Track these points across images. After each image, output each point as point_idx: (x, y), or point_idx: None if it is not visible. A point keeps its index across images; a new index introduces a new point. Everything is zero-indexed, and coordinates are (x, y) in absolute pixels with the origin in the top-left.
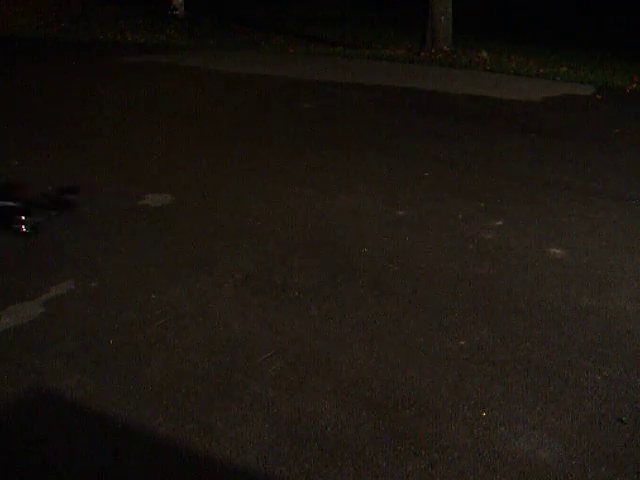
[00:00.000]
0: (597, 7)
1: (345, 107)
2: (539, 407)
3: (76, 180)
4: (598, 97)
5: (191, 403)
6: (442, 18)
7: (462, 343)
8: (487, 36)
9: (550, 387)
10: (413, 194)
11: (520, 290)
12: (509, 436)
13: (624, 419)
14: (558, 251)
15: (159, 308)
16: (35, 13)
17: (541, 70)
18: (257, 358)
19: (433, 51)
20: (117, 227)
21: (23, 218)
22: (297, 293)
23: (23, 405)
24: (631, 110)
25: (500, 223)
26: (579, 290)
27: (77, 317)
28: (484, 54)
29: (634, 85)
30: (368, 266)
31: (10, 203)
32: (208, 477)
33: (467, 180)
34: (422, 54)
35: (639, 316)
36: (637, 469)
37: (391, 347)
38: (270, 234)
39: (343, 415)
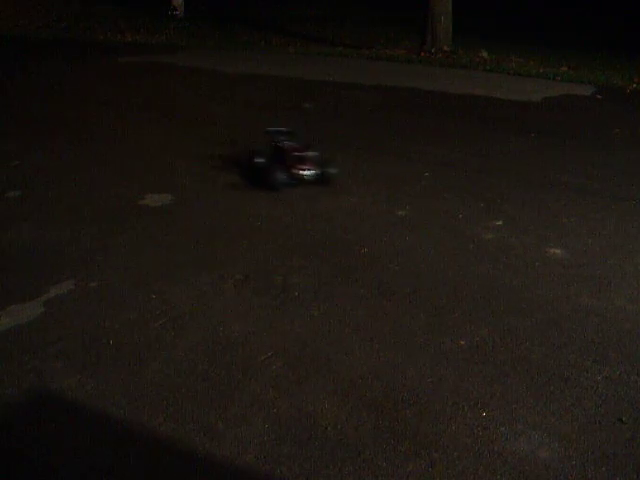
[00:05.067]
0: (598, 7)
1: (345, 107)
2: (539, 407)
3: (76, 180)
4: (598, 97)
5: (191, 403)
6: (442, 18)
7: (462, 343)
8: (487, 36)
9: (550, 387)
10: (413, 194)
11: (520, 290)
12: (509, 436)
13: (624, 419)
14: (558, 251)
15: (159, 308)
16: (35, 13)
17: (541, 70)
18: (257, 358)
19: (433, 51)
20: (117, 227)
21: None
22: (297, 293)
23: (23, 405)
24: (631, 110)
25: (500, 223)
26: (579, 290)
27: (77, 317)
28: (484, 54)
29: (634, 85)
30: (368, 266)
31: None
32: (208, 477)
33: (467, 180)
34: (422, 54)
35: (639, 316)
36: (637, 469)
37: (391, 347)
38: (270, 234)
39: (343, 415)
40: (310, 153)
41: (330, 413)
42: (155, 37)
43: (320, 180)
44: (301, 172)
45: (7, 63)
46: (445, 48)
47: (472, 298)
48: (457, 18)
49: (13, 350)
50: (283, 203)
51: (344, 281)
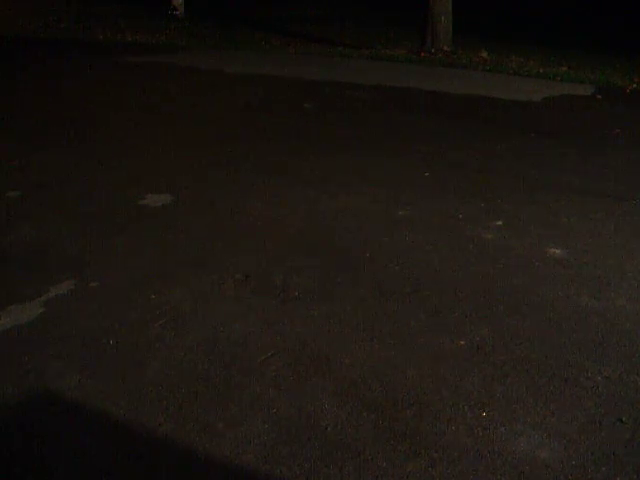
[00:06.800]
0: (597, 7)
1: (345, 107)
2: (539, 407)
3: (76, 180)
4: (598, 97)
5: (191, 403)
6: (442, 18)
7: (462, 343)
8: (487, 36)
9: (550, 387)
10: (413, 194)
11: (520, 290)
12: (509, 436)
13: (624, 419)
14: (558, 251)
15: (159, 308)
16: (35, 13)
17: (541, 70)
18: (257, 358)
19: (433, 51)
20: (117, 227)
21: None
22: (297, 293)
23: (23, 405)
24: (631, 110)
25: (500, 223)
26: (579, 290)
27: (77, 317)
28: (484, 54)
29: (634, 85)
30: (368, 266)
31: None
32: (208, 477)
33: (467, 180)
34: (422, 54)
35: (639, 316)
36: (637, 469)
37: (391, 347)
38: (270, 234)
39: (343, 415)
40: None
41: (330, 413)
42: (155, 37)
43: None
44: None
45: (7, 63)
46: (445, 48)
47: (472, 298)
48: (457, 18)
49: (13, 350)
50: (283, 203)
51: (344, 281)
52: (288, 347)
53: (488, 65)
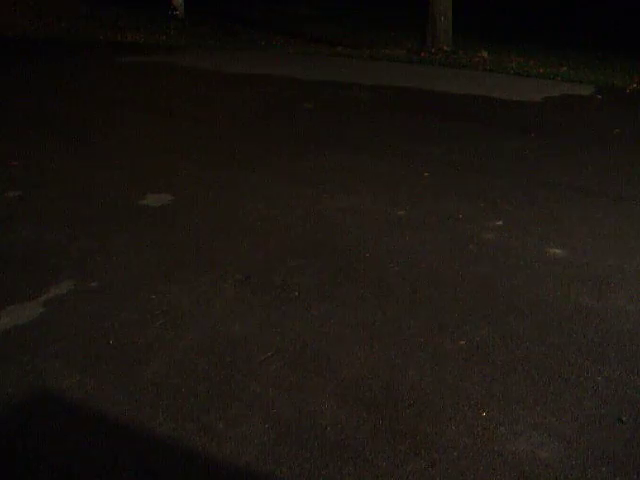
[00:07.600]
0: (598, 7)
1: (345, 107)
2: (539, 407)
3: (76, 180)
4: (598, 97)
5: (191, 403)
6: (442, 18)
7: (462, 343)
8: (487, 36)
9: (550, 387)
10: (413, 194)
11: (520, 290)
12: (509, 436)
13: (624, 419)
14: (558, 251)
15: (159, 308)
16: (35, 13)
17: (541, 70)
18: (257, 358)
19: (433, 51)
20: (117, 227)
21: None
22: (297, 293)
23: (23, 405)
24: (631, 110)
25: (500, 223)
26: (579, 290)
27: (77, 317)
28: (484, 54)
29: (634, 85)
30: (368, 266)
31: None
32: (208, 477)
33: (467, 180)
34: (422, 54)
35: (639, 316)
36: (637, 469)
37: (391, 347)
38: (270, 234)
39: (343, 415)
40: None
41: (330, 413)
42: (155, 37)
43: None
44: None
45: (6, 63)
46: (445, 48)
47: (472, 298)
48: (457, 18)
49: (13, 350)
50: (283, 203)
51: (344, 281)
52: (288, 347)
53: (488, 65)
